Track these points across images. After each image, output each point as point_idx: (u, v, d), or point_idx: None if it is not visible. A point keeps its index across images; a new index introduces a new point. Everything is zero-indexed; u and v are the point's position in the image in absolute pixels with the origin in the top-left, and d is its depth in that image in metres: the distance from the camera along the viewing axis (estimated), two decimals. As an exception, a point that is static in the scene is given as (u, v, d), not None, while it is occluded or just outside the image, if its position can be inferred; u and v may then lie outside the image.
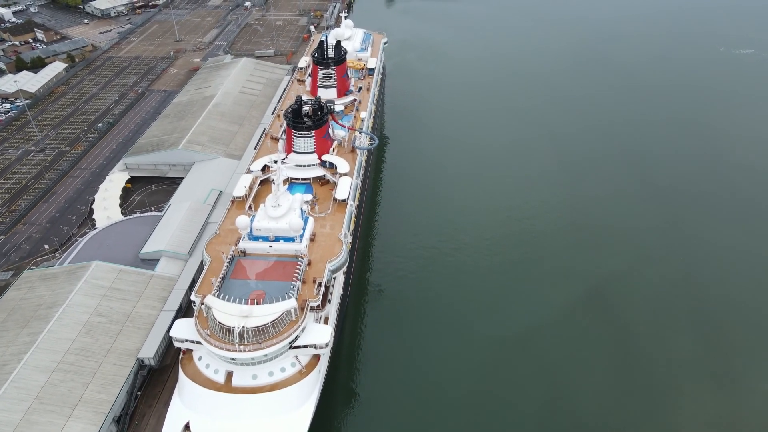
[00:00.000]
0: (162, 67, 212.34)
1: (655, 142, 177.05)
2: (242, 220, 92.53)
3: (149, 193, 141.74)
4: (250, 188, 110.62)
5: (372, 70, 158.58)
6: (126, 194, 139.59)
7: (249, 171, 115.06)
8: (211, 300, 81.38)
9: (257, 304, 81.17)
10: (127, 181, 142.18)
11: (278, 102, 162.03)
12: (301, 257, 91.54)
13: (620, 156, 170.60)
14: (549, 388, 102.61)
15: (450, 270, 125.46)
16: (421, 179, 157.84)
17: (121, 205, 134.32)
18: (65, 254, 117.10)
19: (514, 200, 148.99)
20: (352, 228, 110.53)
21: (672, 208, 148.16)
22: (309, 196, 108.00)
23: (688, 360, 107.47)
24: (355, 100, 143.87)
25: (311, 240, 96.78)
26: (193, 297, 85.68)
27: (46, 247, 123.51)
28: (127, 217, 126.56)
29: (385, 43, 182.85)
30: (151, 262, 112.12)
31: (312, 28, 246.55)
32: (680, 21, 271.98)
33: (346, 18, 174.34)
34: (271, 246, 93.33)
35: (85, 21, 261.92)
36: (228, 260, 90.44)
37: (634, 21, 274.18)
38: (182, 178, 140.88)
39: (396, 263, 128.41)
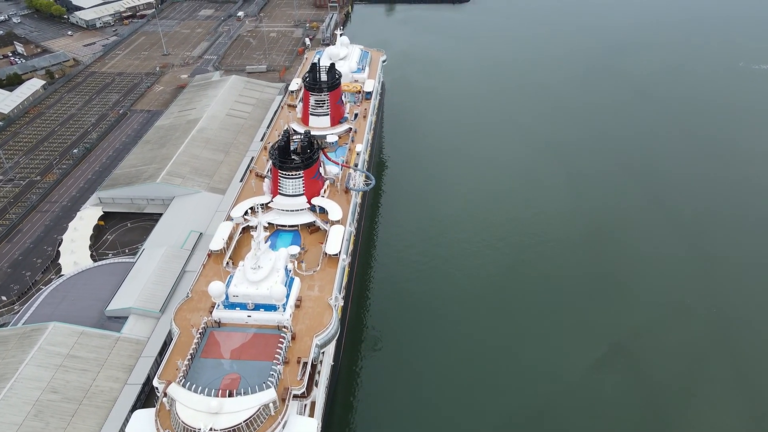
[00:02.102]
0: (147, 84, 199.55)
1: (674, 166, 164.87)
2: (216, 288, 79.58)
3: (124, 231, 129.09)
4: (230, 238, 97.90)
5: (369, 93, 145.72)
6: (98, 233, 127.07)
7: (229, 218, 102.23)
8: (174, 390, 68.39)
9: (230, 394, 68.36)
10: (101, 218, 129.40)
11: (267, 127, 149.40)
12: (285, 329, 78.79)
13: (637, 182, 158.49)
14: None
15: (457, 330, 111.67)
16: (423, 210, 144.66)
17: (91, 247, 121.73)
18: (23, 308, 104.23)
19: (526, 236, 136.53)
20: (346, 278, 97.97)
21: (697, 243, 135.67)
22: (296, 249, 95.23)
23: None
24: (350, 129, 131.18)
25: (297, 306, 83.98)
26: (155, 383, 72.85)
27: (3, 298, 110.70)
28: (96, 264, 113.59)
29: (384, 62, 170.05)
30: (118, 321, 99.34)
31: (307, 40, 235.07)
32: (697, 33, 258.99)
33: (341, 35, 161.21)
34: (249, 316, 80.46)
35: (69, 32, 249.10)
36: (199, 334, 77.65)
37: (648, 32, 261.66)
38: (160, 214, 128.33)
39: (395, 318, 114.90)
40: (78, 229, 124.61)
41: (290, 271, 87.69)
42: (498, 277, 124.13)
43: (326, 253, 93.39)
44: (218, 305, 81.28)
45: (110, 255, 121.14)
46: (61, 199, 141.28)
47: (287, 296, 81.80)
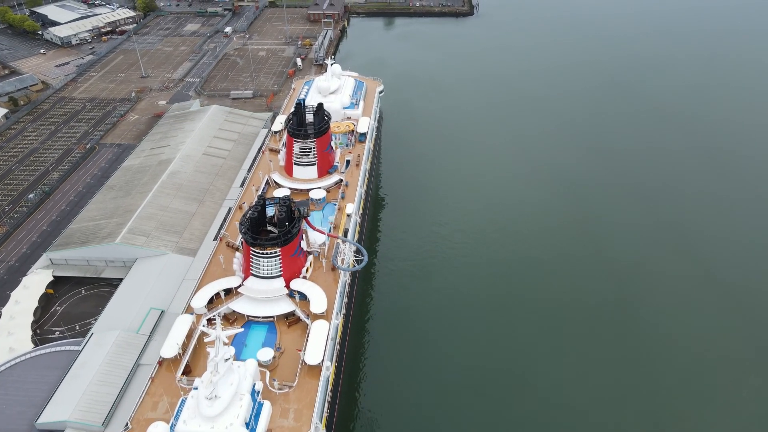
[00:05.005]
0: (120, 112, 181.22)
1: (701, 196, 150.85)
2: (157, 433, 61.56)
3: (77, 300, 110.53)
4: (189, 336, 79.47)
5: (363, 135, 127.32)
6: (46, 303, 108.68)
7: (189, 309, 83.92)
8: None
9: None
10: (50, 285, 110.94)
11: (249, 171, 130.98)
12: (247, 484, 60.66)
13: (660, 212, 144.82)
14: None
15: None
16: (424, 269, 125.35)
17: (35, 324, 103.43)
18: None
19: (549, 292, 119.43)
20: (331, 384, 79.64)
21: (730, 284, 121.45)
22: (269, 353, 76.67)
23: None
24: (340, 181, 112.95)
25: (265, 444, 65.81)
26: None
27: None
28: (34, 352, 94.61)
29: (381, 93, 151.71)
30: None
31: (298, 60, 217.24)
32: (723, 50, 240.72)
33: (332, 64, 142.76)
34: (202, 464, 62.36)
35: (42, 51, 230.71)
36: (134, 493, 59.58)
37: (665, 48, 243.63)
38: (120, 279, 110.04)
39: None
40: (20, 301, 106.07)
41: (258, 392, 69.39)
42: (517, 353, 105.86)
43: (305, 362, 75.07)
44: (163, 448, 63.24)
45: (57, 333, 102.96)
46: (8, 257, 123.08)
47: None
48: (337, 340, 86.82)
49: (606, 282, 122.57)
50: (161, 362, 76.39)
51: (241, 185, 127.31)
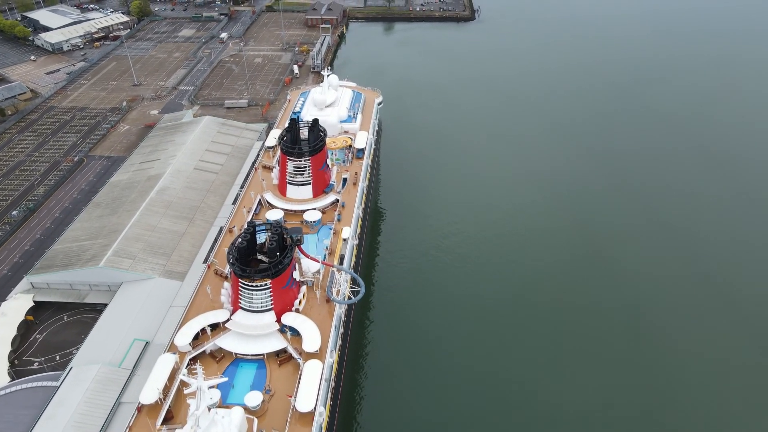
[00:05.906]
0: (111, 122, 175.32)
1: (700, 202, 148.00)
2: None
3: (59, 327, 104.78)
4: (171, 378, 73.60)
5: (361, 151, 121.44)
6: (26, 330, 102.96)
7: (172, 348, 78.00)
8: None
9: None
10: (30, 311, 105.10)
11: (242, 187, 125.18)
12: None
13: (657, 218, 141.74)
14: None
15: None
16: (428, 300, 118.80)
17: (12, 354, 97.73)
18: None
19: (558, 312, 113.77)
20: (325, 426, 73.86)
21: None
22: (257, 398, 70.65)
23: None
24: (336, 201, 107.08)
25: (250, 507, 60.05)
26: None
27: None
28: (10, 386, 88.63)
29: (379, 104, 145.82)
30: (24, 485, 75.36)
31: (295, 68, 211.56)
32: (724, 51, 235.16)
33: (329, 75, 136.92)
34: None
35: (33, 57, 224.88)
36: None
37: (668, 50, 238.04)
38: (105, 305, 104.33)
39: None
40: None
41: (244, 446, 63.68)
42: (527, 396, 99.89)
43: (296, 409, 69.19)
44: None
45: (35, 364, 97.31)
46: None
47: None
48: (332, 377, 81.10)
49: (608, 285, 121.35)
50: (140, 408, 70.47)
51: (234, 202, 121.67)
